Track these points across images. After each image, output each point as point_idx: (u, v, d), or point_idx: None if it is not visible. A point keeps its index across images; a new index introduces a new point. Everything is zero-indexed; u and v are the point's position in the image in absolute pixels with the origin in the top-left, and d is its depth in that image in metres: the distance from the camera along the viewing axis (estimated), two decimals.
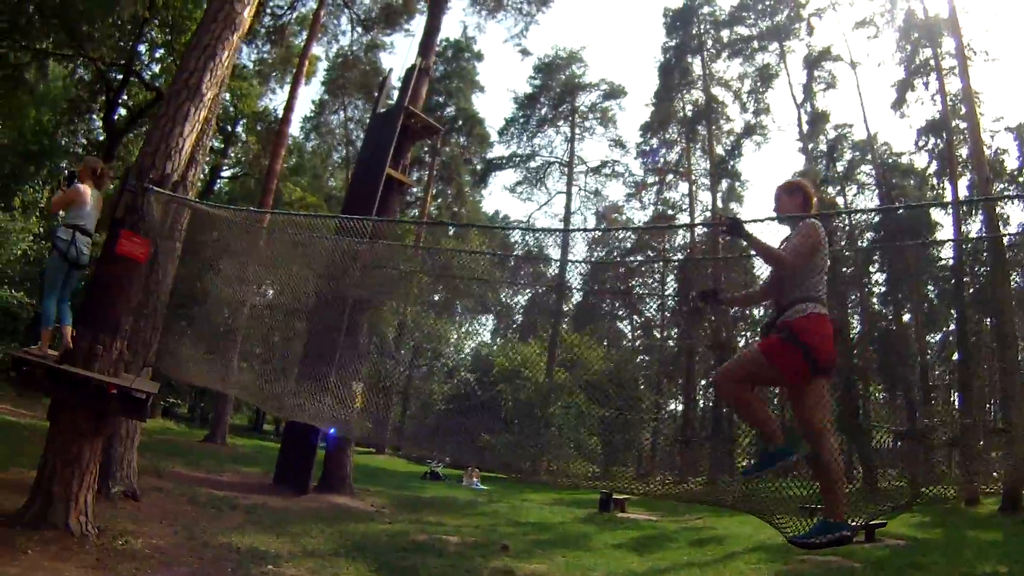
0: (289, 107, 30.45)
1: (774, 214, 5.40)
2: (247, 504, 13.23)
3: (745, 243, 5.19)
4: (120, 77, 37.89)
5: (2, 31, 34.53)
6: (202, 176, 43.17)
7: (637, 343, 49.35)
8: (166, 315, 8.93)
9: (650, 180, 44.60)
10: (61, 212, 8.16)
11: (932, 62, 31.63)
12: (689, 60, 42.58)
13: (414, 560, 10.71)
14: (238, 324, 8.56)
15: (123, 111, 39.19)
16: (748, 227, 5.11)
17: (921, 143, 33.94)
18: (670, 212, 42.66)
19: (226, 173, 45.56)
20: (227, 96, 36.76)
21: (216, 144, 42.35)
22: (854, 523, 5.05)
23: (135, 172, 8.44)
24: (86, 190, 8.11)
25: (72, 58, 39.21)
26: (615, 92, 47.15)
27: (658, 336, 45.93)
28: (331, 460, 17.67)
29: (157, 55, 37.69)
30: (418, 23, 38.74)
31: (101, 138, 40.97)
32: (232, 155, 44.75)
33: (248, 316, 8.77)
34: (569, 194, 45.47)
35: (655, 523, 18.42)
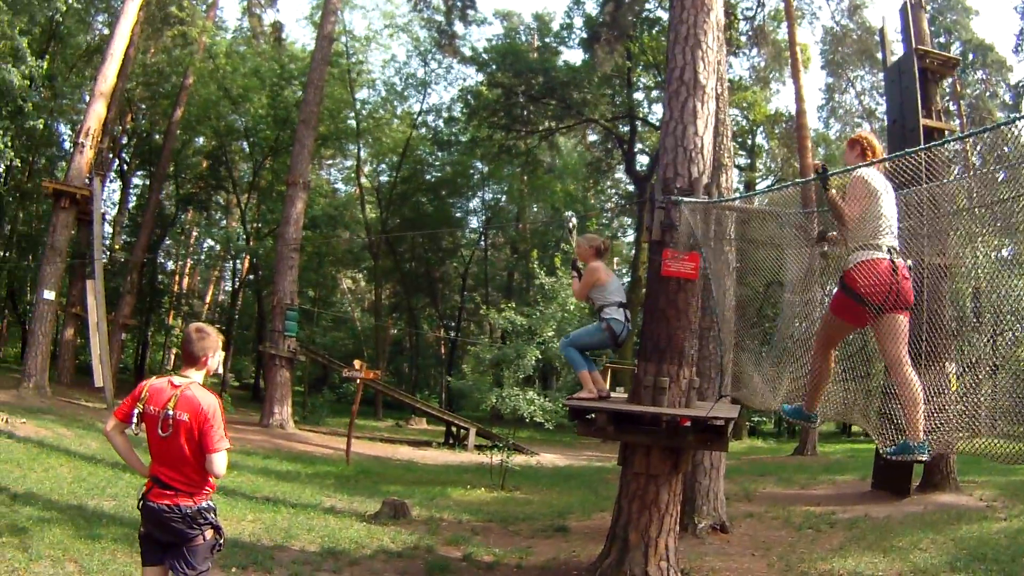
0: (800, 98, 28.91)
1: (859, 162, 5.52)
2: (846, 518, 11.82)
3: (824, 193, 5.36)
4: (627, 128, 39.86)
5: (504, 126, 38.56)
6: (737, 190, 43.75)
7: None
8: (736, 334, 8.02)
9: None
10: (590, 296, 7.87)
11: None
12: None
13: None
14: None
15: (643, 158, 41.09)
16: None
17: None
18: None
19: (760, 186, 45.19)
20: (735, 111, 36.77)
21: (742, 161, 42.48)
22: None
23: (659, 187, 7.82)
24: (602, 266, 7.80)
25: (576, 127, 42.26)
26: None
27: None
28: None
29: (654, 95, 39.02)
30: None
31: (631, 188, 43.39)
32: (761, 167, 44.39)
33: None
34: None
35: None
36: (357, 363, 19.73)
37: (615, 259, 45.48)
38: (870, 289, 5.18)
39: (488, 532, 10.55)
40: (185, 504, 4.33)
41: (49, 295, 21.77)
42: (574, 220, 8.47)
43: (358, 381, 20.13)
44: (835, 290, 5.62)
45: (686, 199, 7.44)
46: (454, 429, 27.09)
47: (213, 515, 4.48)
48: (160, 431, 4.31)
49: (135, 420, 4.40)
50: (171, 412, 4.29)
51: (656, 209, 7.64)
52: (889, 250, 5.27)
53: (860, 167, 5.39)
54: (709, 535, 10.40)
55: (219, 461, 4.38)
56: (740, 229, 8.14)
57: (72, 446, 13.63)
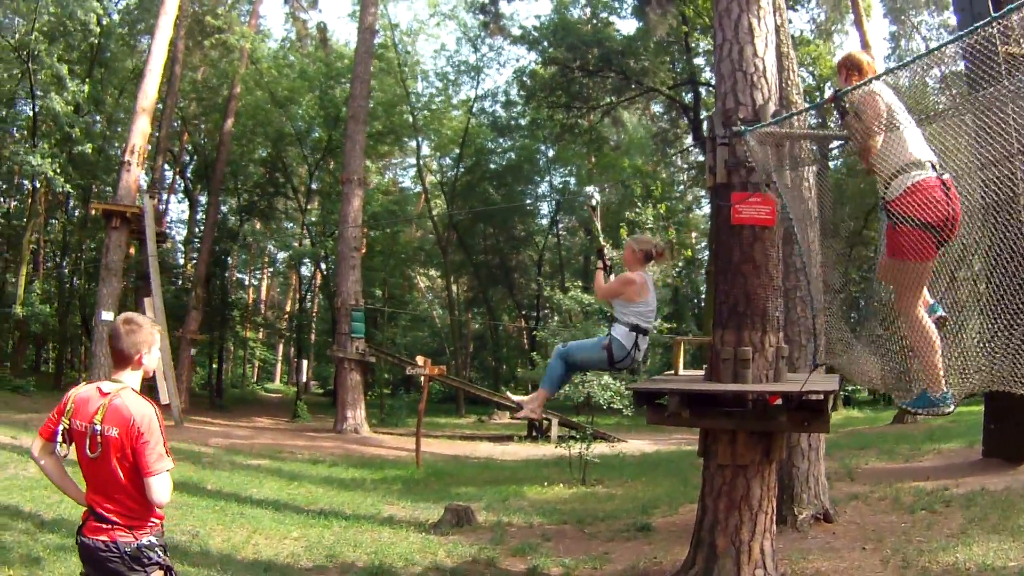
0: (866, 45, 27.12)
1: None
2: (961, 494, 10.25)
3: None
4: (690, 96, 38.28)
5: (564, 104, 37.37)
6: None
7: None
8: (825, 293, 6.63)
9: None
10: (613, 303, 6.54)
11: None
12: None
13: None
14: None
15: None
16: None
17: None
18: None
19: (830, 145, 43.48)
20: (801, 70, 35.13)
21: (812, 121, 40.72)
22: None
23: (718, 120, 6.51)
24: (641, 279, 6.28)
25: (637, 98, 40.85)
26: None
27: None
28: None
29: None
30: None
31: (701, 158, 41.84)
32: (832, 124, 42.53)
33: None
34: None
35: None
36: (420, 359, 18.81)
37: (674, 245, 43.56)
38: (931, 214, 4.46)
39: (561, 537, 9.46)
40: (123, 540, 3.50)
41: (107, 315, 21.54)
42: (597, 196, 7.22)
43: (422, 378, 19.31)
44: (884, 232, 4.77)
45: (752, 127, 6.07)
46: (536, 421, 26.10)
47: (160, 553, 3.63)
48: (88, 451, 3.47)
49: (59, 438, 3.58)
50: (98, 427, 3.46)
51: (718, 147, 6.34)
52: (932, 166, 4.61)
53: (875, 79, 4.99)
54: (811, 527, 9.08)
55: (158, 486, 3.51)
56: (818, 171, 6.79)
57: None
